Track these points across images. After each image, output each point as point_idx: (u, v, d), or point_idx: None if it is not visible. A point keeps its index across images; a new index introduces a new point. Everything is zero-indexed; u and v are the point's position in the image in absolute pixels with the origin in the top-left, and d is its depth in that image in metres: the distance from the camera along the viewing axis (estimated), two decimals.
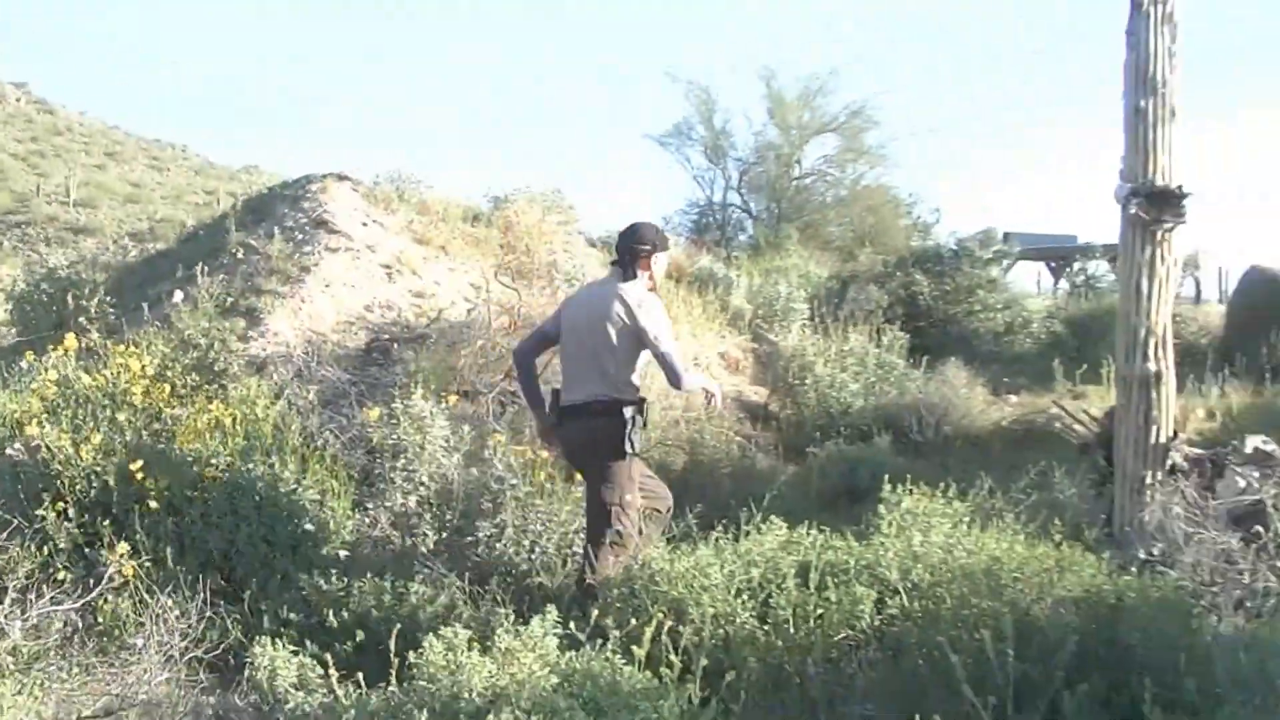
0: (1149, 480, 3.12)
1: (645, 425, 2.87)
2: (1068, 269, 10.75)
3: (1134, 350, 3.19)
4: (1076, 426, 4.17)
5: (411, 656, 1.78)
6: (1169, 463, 3.15)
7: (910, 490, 2.67)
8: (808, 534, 2.46)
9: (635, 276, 2.89)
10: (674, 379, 2.82)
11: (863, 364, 5.66)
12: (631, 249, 2.90)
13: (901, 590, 2.21)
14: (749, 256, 10.18)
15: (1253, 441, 3.27)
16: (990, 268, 8.92)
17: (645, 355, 2.85)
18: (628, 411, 2.79)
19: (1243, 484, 3.03)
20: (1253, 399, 5.41)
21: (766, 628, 2.18)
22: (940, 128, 23.07)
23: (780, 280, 7.86)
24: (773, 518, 2.53)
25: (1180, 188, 3.14)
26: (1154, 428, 3.16)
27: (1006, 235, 10.18)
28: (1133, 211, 3.15)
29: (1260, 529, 2.71)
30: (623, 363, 2.84)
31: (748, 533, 2.48)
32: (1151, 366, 3.15)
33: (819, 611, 2.20)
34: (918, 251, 9.19)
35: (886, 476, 2.74)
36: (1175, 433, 3.20)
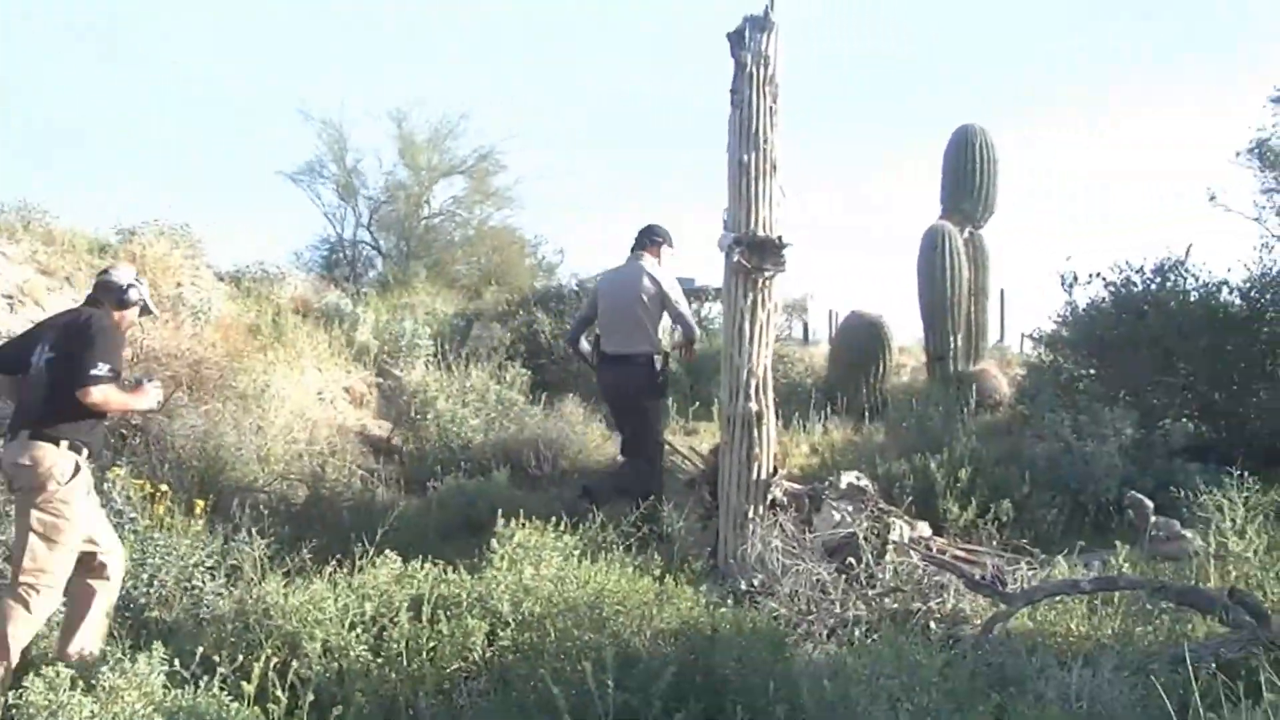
0: (751, 514, 3.72)
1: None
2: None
3: (737, 390, 3.81)
4: (685, 463, 4.88)
5: (11, 697, 2.01)
6: (770, 497, 3.79)
7: (524, 524, 3.12)
8: (423, 567, 2.86)
9: (655, 258, 4.97)
10: (689, 331, 4.91)
11: (484, 400, 6.37)
12: (651, 239, 5.02)
13: (512, 622, 2.60)
14: (377, 293, 11.15)
15: (847, 477, 4.01)
16: None
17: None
18: (658, 360, 4.84)
19: (838, 517, 3.71)
20: (852, 436, 6.79)
21: (379, 660, 2.49)
22: (569, 170, 26.15)
23: (407, 317, 8.75)
24: (389, 551, 2.93)
25: (780, 238, 3.85)
26: (756, 464, 3.79)
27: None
28: (735, 259, 3.79)
29: (852, 560, 3.34)
30: (653, 321, 4.84)
31: (362, 567, 2.87)
32: (753, 406, 3.79)
33: (431, 644, 2.54)
34: (541, 291, 10.14)
35: (501, 510, 3.20)
36: (776, 469, 3.85)
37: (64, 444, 3.24)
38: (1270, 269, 5.64)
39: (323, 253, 15.58)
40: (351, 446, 5.75)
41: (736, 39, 4.02)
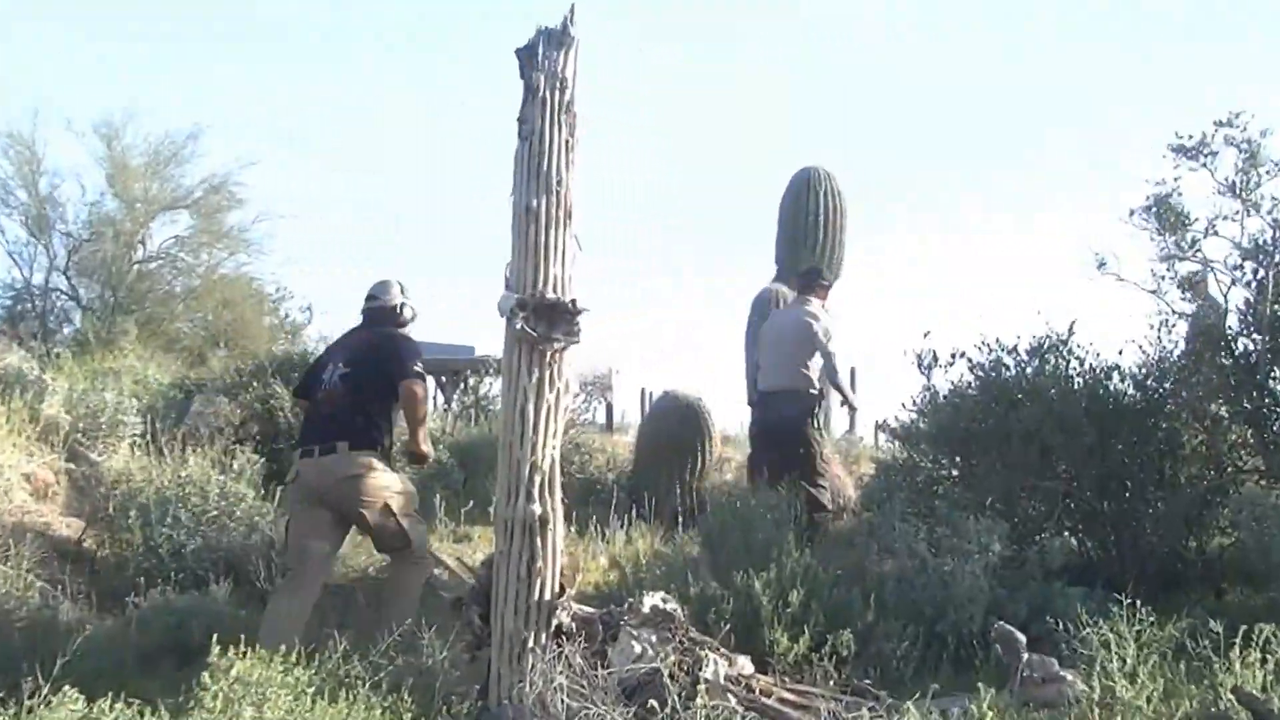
0: (531, 644, 3.77)
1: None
2: (461, 385, 12.48)
3: (517, 488, 3.89)
4: (450, 577, 4.76)
5: None
6: (555, 623, 3.83)
7: (246, 652, 3.14)
8: (113, 708, 2.87)
9: (821, 300, 7.60)
10: (832, 373, 7.47)
11: (204, 494, 6.40)
12: (815, 283, 7.65)
13: None
14: (73, 355, 11.15)
15: (652, 599, 4.07)
16: None
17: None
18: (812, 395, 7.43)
19: (638, 649, 3.79)
20: (661, 547, 7.03)
21: None
22: (324, 208, 25.97)
23: (110, 386, 8.77)
24: (69, 686, 2.94)
25: (574, 302, 3.99)
26: (538, 581, 3.85)
27: None
28: (518, 327, 3.91)
29: (655, 703, 3.42)
30: (810, 360, 7.36)
31: (32, 708, 2.86)
32: (536, 508, 3.86)
33: None
34: (281, 357, 10.13)
35: (219, 635, 3.21)
36: (563, 587, 3.91)
37: (380, 448, 5.02)
38: (1170, 351, 5.96)
39: (3, 303, 15.55)
40: (30, 550, 5.68)
41: (527, 56, 4.14)
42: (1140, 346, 6.04)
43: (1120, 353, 6.04)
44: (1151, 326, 6.03)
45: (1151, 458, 5.87)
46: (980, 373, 6.29)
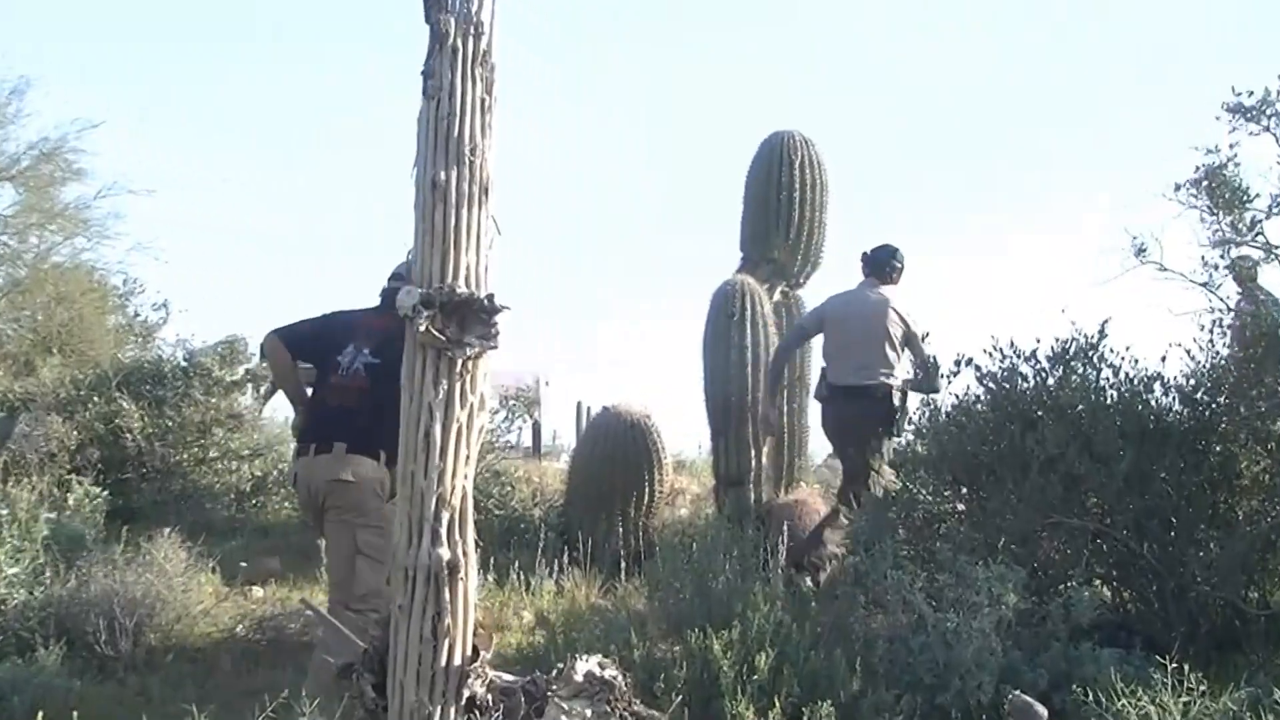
0: (437, 718, 3.76)
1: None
2: None
3: (420, 528, 3.89)
4: (335, 637, 4.79)
5: None
6: (467, 694, 3.82)
7: None
8: None
9: (895, 283, 7.96)
10: (933, 379, 7.50)
11: (30, 536, 6.43)
12: (889, 266, 7.96)
13: None
14: None
15: (588, 664, 4.08)
16: (235, 395, 10.34)
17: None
18: (896, 396, 7.58)
19: None
20: (599, 599, 7.07)
21: None
22: (187, 181, 25.69)
23: None
24: None
25: (491, 298, 4.00)
26: (446, 642, 3.84)
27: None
28: (422, 329, 3.92)
29: None
30: (895, 354, 7.67)
31: None
32: (443, 553, 3.86)
33: None
34: (131, 366, 10.28)
35: (44, 712, 3.34)
36: (478, 650, 3.91)
37: (383, 457, 5.04)
38: (1224, 358, 5.95)
39: None
40: None
41: None
42: (1188, 352, 6.05)
43: (1163, 359, 6.05)
44: (1202, 327, 6.03)
45: (1203, 489, 5.86)
46: (991, 384, 6.31)
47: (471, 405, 4.04)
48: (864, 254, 8.13)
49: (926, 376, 7.58)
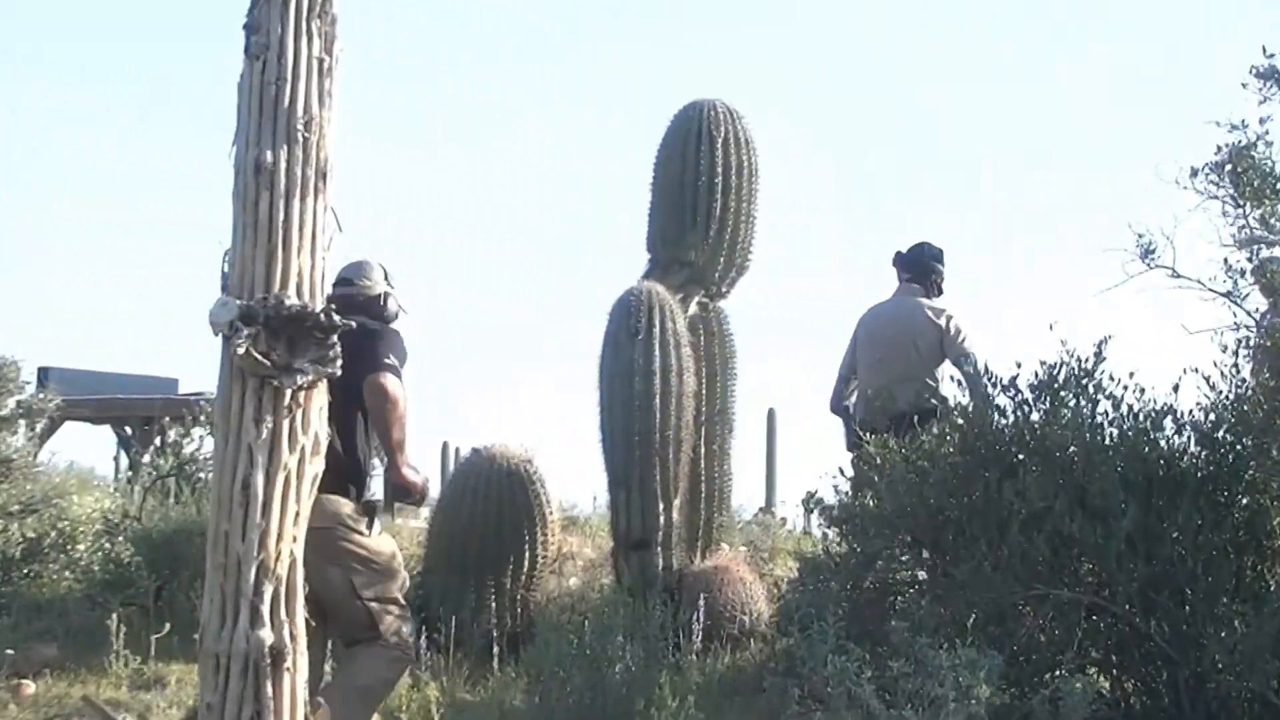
0: None
1: None
2: (155, 441, 12.17)
3: (235, 605, 3.83)
4: None
5: None
6: None
7: None
8: None
9: (939, 294, 8.57)
10: (974, 385, 6.77)
11: None
12: (932, 270, 8.53)
13: None
14: None
15: None
16: (3, 434, 10.04)
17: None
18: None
19: None
20: (466, 692, 7.11)
21: None
22: None
23: None
24: None
25: (329, 313, 3.98)
26: None
27: (44, 372, 11.98)
28: (241, 350, 3.84)
29: None
30: (937, 373, 8.29)
31: None
32: (266, 636, 3.82)
33: None
34: None
35: None
36: None
37: (353, 492, 5.60)
38: (1248, 387, 5.89)
39: None
40: None
41: None
42: (1207, 379, 6.00)
43: (1176, 389, 6.02)
44: (1224, 348, 5.99)
45: (1225, 552, 5.80)
46: (961, 420, 6.31)
47: (303, 448, 3.98)
48: (899, 254, 8.56)
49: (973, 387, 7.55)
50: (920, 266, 8.38)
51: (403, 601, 5.71)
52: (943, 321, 8.16)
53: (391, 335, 5.77)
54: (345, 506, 5.44)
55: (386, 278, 5.92)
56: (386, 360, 5.52)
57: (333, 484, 5.05)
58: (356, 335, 5.02)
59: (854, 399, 8.50)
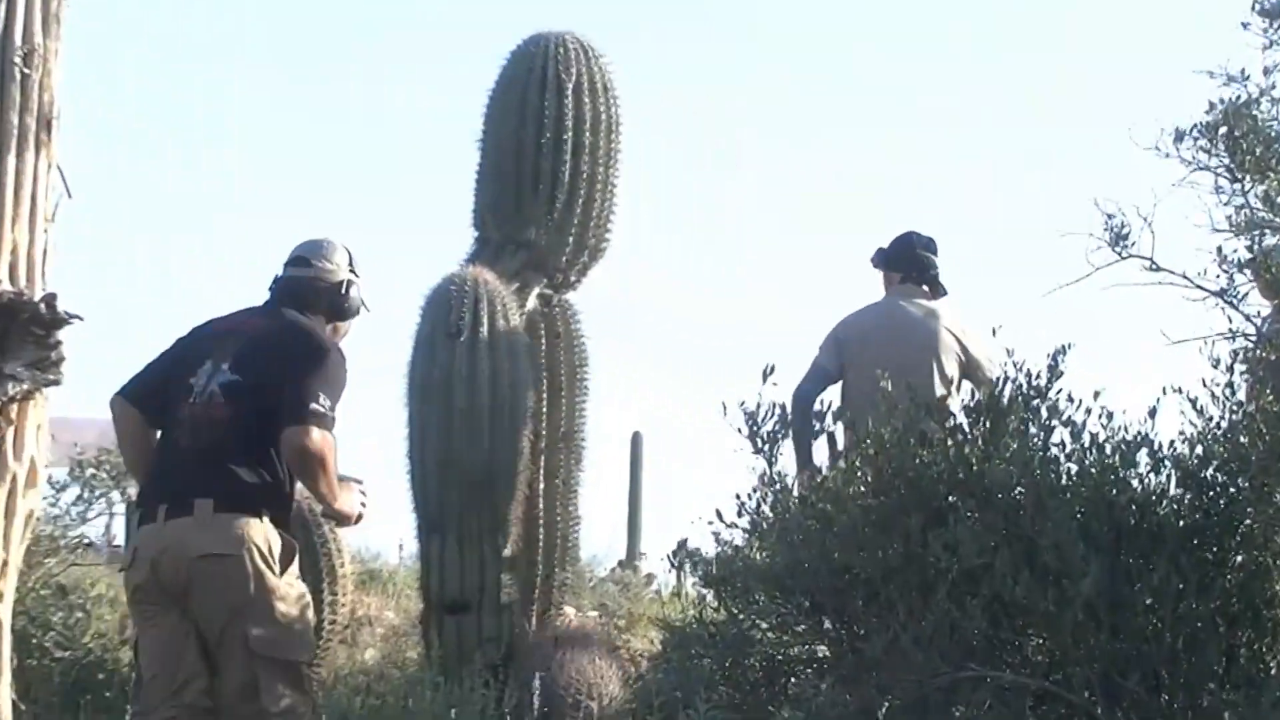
0: None
1: None
2: None
3: None
4: None
5: None
6: None
7: None
8: None
9: (944, 293, 8.45)
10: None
11: None
12: (930, 261, 8.41)
13: None
14: None
15: None
16: None
17: None
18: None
19: None
20: None
21: None
22: None
23: None
24: None
25: (52, 302, 4.06)
26: None
27: None
28: None
29: None
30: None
31: None
32: None
33: None
34: None
35: None
36: None
37: (266, 517, 5.39)
38: (1244, 413, 5.80)
39: None
40: None
41: None
42: (1193, 401, 5.91)
43: (1152, 414, 5.91)
44: (1215, 362, 5.90)
45: (1213, 623, 5.71)
46: (875, 451, 6.21)
47: (14, 478, 4.11)
48: (881, 250, 8.40)
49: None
50: (915, 262, 8.23)
51: (307, 674, 5.56)
52: (970, 342, 8.01)
53: (331, 358, 5.60)
54: (256, 531, 5.25)
55: (351, 264, 5.89)
56: (314, 406, 5.32)
57: (240, 503, 5.28)
58: (297, 335, 5.60)
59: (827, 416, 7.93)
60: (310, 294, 5.70)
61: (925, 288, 8.25)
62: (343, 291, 5.80)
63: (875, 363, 7.41)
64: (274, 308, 5.75)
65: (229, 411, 5.42)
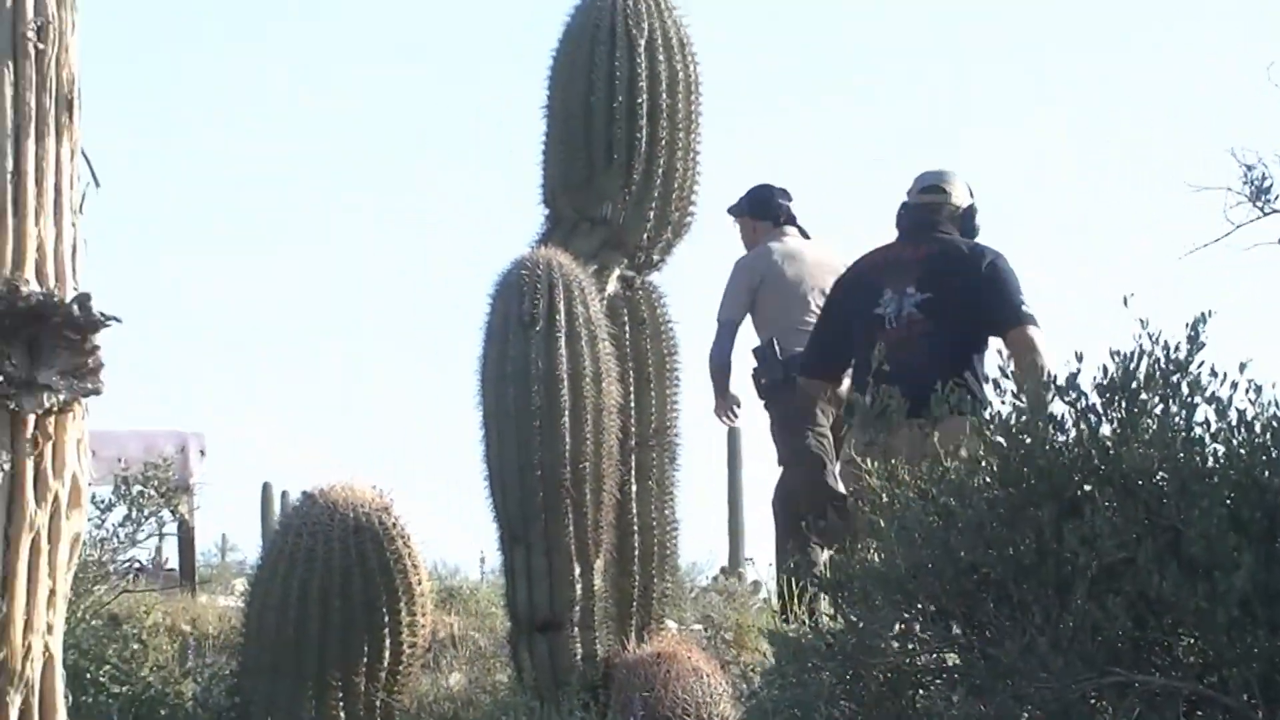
0: None
1: None
2: None
3: None
4: None
5: None
6: None
7: None
8: None
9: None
10: None
11: None
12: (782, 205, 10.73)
13: None
14: None
15: None
16: None
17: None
18: None
19: None
20: None
21: None
22: None
23: None
24: None
25: (86, 303, 4.00)
26: None
27: None
28: None
29: None
30: None
31: None
32: None
33: None
34: None
35: None
36: None
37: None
38: None
39: None
40: None
41: None
42: None
43: None
44: None
45: None
46: (1002, 437, 6.25)
47: (56, 498, 4.03)
48: (743, 200, 10.09)
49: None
50: (783, 208, 9.98)
51: None
52: None
53: (1002, 263, 6.94)
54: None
55: (971, 193, 7.08)
56: (1027, 308, 6.71)
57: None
58: (968, 253, 6.95)
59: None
60: (944, 217, 6.91)
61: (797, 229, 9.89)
62: (971, 218, 7.09)
63: (794, 291, 9.60)
64: (921, 232, 7.04)
65: (930, 325, 6.74)
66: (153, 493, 12.03)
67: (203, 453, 13.16)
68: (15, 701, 3.88)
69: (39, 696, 3.92)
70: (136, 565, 11.89)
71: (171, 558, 12.88)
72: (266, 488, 14.42)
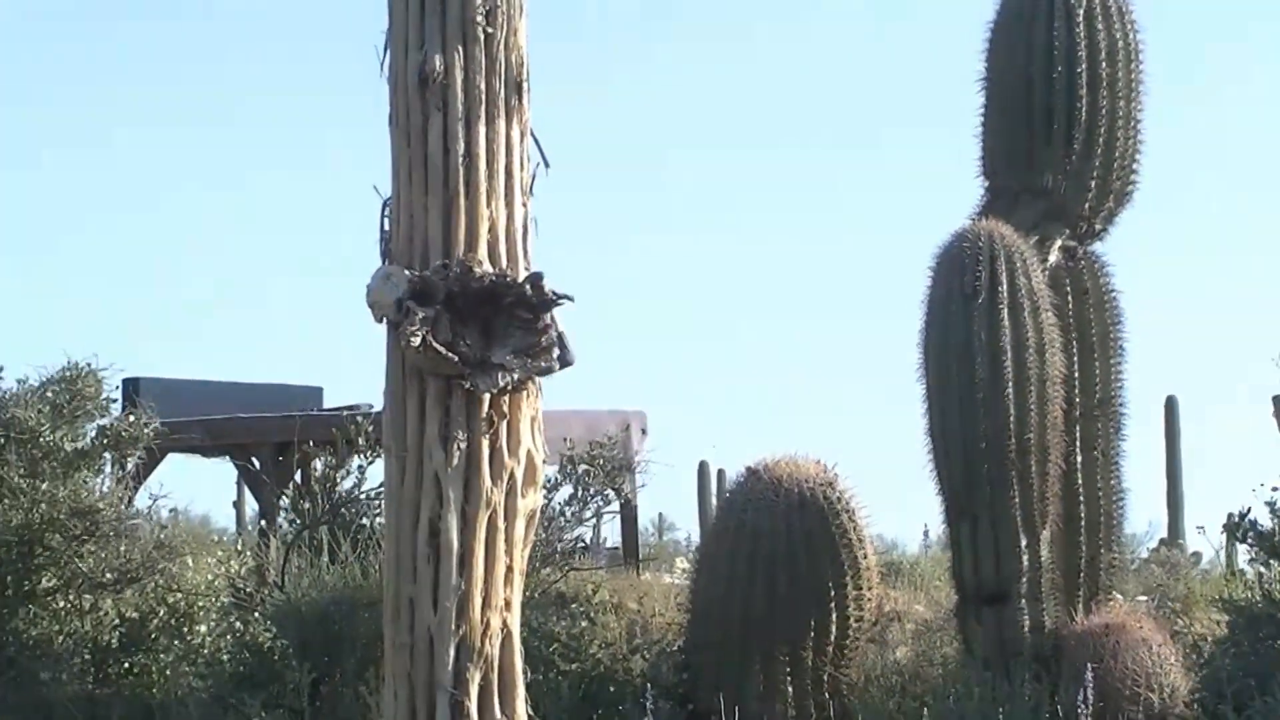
0: None
1: None
2: (297, 472, 13.07)
3: (425, 701, 3.97)
4: None
5: None
6: None
7: None
8: None
9: None
10: None
11: None
12: None
13: None
14: None
15: None
16: (84, 473, 10.45)
17: None
18: None
19: None
20: None
21: None
22: None
23: None
24: None
25: (537, 283, 4.11)
26: None
27: (133, 385, 12.68)
28: (414, 342, 3.92)
29: None
30: None
31: None
32: None
33: None
34: None
35: None
36: None
37: None
38: None
39: None
40: None
41: None
42: None
43: None
44: None
45: None
46: None
47: (511, 475, 4.11)
48: None
49: None
50: None
51: None
52: None
53: None
54: None
55: None
56: None
57: None
58: None
59: None
60: None
61: None
62: None
63: None
64: None
65: None
66: (599, 472, 12.12)
67: (644, 432, 13.48)
68: (475, 677, 3.98)
69: (498, 673, 4.07)
70: (581, 544, 12.01)
71: (611, 536, 12.97)
72: (703, 466, 14.48)
